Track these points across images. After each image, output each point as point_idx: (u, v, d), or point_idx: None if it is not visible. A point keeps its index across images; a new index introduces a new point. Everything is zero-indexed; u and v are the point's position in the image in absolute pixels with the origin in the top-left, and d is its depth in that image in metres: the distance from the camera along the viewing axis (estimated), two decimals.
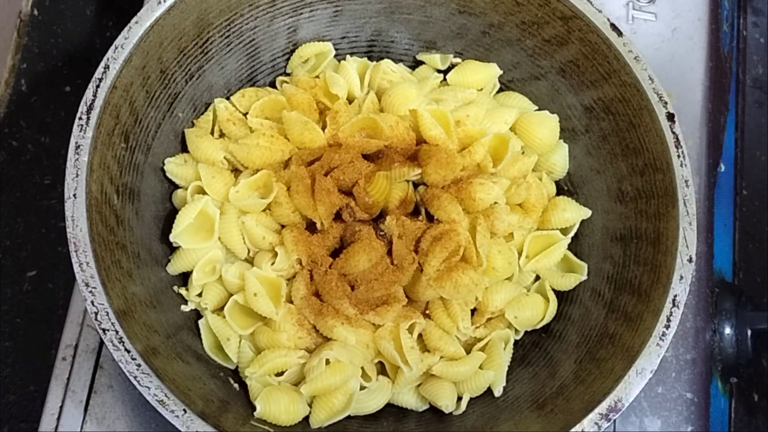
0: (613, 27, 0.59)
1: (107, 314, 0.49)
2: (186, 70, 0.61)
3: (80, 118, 0.53)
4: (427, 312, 0.59)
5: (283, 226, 0.60)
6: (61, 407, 0.61)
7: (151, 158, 0.60)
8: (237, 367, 0.59)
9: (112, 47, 0.54)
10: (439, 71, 0.68)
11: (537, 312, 0.61)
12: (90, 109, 0.53)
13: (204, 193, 0.60)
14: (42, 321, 0.75)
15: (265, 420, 0.55)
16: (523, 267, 0.61)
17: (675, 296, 0.53)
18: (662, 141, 0.57)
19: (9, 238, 0.78)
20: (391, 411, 0.60)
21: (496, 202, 0.61)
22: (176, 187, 0.62)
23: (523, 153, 0.65)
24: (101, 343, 0.63)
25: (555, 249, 0.61)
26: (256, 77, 0.67)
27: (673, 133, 0.57)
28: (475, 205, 0.60)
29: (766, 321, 0.69)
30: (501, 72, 0.67)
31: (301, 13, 0.64)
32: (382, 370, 0.59)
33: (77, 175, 0.51)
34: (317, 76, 0.66)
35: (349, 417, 0.57)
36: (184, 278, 0.61)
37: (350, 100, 0.64)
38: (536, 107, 0.67)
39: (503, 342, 0.60)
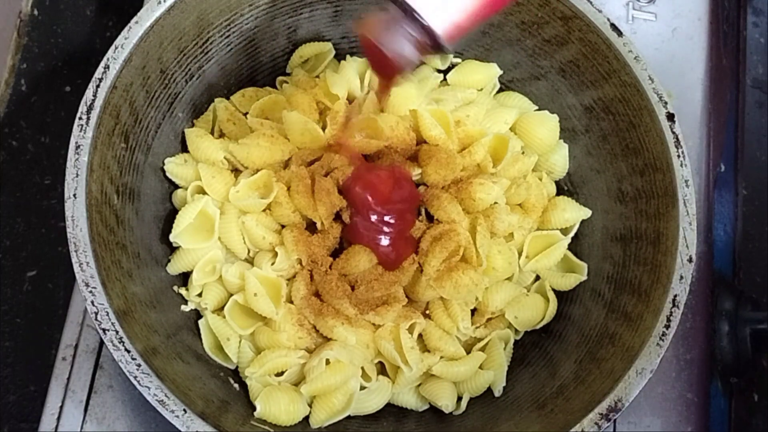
0: (613, 27, 0.59)
1: (107, 314, 0.49)
2: (186, 70, 0.61)
3: (80, 118, 0.53)
4: (427, 312, 0.59)
5: (283, 226, 0.60)
6: (61, 407, 0.61)
7: (151, 158, 0.60)
8: (237, 367, 0.59)
9: (112, 47, 0.54)
10: (439, 71, 0.68)
11: (537, 312, 0.61)
12: (90, 109, 0.53)
13: (204, 193, 0.60)
14: (42, 321, 0.74)
15: (265, 420, 0.55)
16: (523, 267, 0.61)
17: (675, 296, 0.53)
18: (662, 141, 0.57)
19: (9, 238, 0.78)
20: (391, 411, 0.60)
21: (496, 202, 0.61)
22: (176, 187, 0.62)
23: (523, 153, 0.65)
24: (101, 343, 0.63)
25: (555, 249, 0.61)
26: (256, 77, 0.67)
27: (673, 133, 0.57)
28: (475, 205, 0.60)
29: (766, 321, 0.69)
30: (501, 72, 0.67)
31: (301, 13, 0.64)
32: (382, 370, 0.59)
33: (77, 175, 0.51)
34: (317, 76, 0.66)
35: (349, 417, 0.57)
36: (184, 278, 0.61)
37: (350, 100, 0.64)
38: (536, 107, 0.67)
39: (503, 342, 0.60)
